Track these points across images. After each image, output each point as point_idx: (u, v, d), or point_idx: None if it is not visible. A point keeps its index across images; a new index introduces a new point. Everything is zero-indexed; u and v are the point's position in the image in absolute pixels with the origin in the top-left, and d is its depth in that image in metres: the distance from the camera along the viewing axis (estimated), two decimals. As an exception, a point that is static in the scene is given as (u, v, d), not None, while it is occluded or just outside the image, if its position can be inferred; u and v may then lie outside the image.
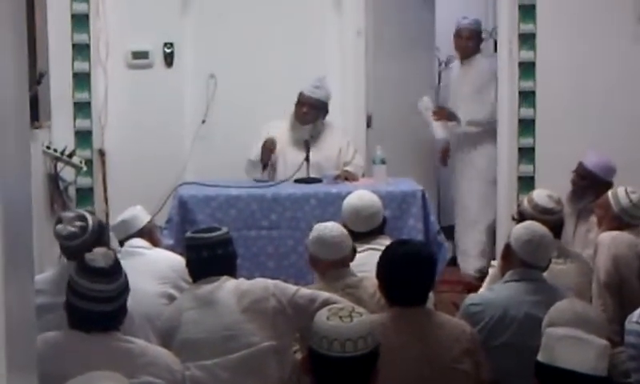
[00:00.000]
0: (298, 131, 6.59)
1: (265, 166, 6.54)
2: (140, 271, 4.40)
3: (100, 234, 4.37)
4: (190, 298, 4.07)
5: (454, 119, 7.34)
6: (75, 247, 4.22)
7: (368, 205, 5.09)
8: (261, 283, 4.06)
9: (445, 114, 7.36)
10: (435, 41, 8.19)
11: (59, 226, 4.36)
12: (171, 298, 4.47)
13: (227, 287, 4.00)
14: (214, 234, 4.13)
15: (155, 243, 4.99)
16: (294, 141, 6.59)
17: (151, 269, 4.60)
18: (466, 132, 7.37)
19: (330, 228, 4.50)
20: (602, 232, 5.03)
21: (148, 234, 4.97)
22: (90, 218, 4.40)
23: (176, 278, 4.61)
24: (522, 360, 3.81)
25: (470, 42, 7.44)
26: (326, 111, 6.72)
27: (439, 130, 7.36)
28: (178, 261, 4.66)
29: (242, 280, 4.09)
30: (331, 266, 4.44)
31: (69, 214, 4.51)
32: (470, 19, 7.45)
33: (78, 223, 4.32)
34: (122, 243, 4.94)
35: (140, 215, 5.00)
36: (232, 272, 4.14)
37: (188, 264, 4.17)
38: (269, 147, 6.51)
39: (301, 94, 6.64)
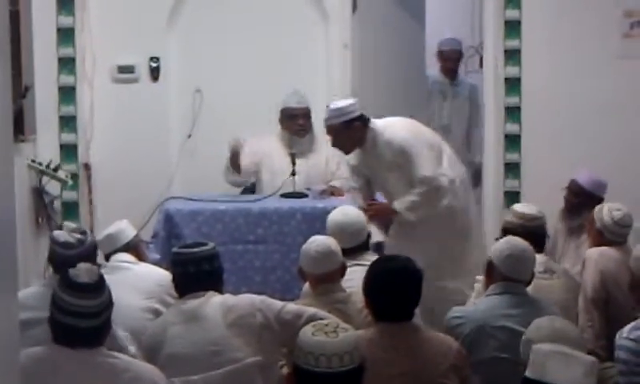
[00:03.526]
0: (295, 144, 6.55)
1: (237, 169, 6.50)
2: (126, 286, 4.39)
3: (93, 253, 4.38)
4: (175, 313, 4.05)
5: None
6: (68, 257, 4.20)
7: (352, 220, 5.08)
8: (247, 299, 4.05)
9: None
10: (425, 57, 8.13)
11: (57, 232, 4.37)
12: (157, 313, 4.46)
13: (213, 302, 3.99)
14: (200, 250, 4.12)
15: (141, 258, 4.97)
16: (284, 153, 6.55)
17: (137, 284, 4.59)
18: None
19: (318, 242, 4.50)
20: (588, 247, 5.06)
21: (134, 248, 4.95)
22: (89, 234, 4.44)
23: (161, 293, 4.60)
24: (503, 373, 3.83)
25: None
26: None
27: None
28: (163, 276, 4.65)
29: (228, 295, 4.08)
30: (318, 280, 4.44)
31: (71, 225, 4.53)
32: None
33: (78, 235, 4.33)
34: (107, 257, 4.92)
35: (126, 229, 4.99)
36: (218, 287, 4.12)
37: (174, 279, 4.16)
38: (234, 151, 6.40)
39: (289, 109, 6.62)
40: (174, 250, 4.23)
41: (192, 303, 4.00)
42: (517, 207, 5.14)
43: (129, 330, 4.20)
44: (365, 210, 5.70)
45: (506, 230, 4.97)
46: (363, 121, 5.84)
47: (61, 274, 3.59)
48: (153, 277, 4.71)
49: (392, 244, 5.77)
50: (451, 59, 7.92)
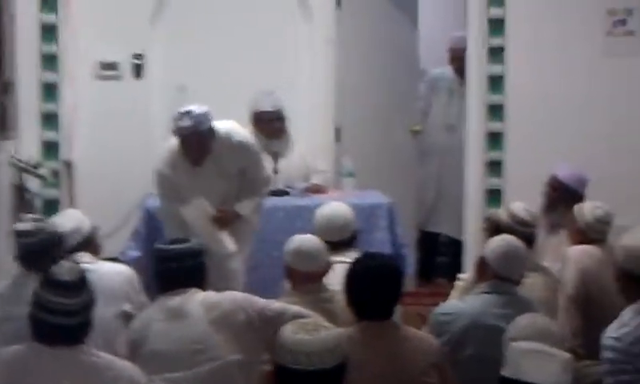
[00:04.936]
0: (271, 146, 6.56)
1: None
2: None
3: (54, 243, 4.33)
4: (159, 310, 4.05)
5: None
6: (29, 245, 4.18)
7: (341, 214, 5.12)
8: (230, 296, 4.05)
9: None
10: (419, 52, 7.94)
11: (17, 223, 4.35)
12: (127, 316, 4.44)
13: (196, 299, 3.99)
14: (182, 246, 4.12)
15: (97, 250, 4.89)
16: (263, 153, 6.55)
17: (103, 290, 4.34)
18: None
19: (309, 239, 4.51)
20: (569, 245, 5.07)
21: (91, 241, 4.84)
22: (49, 223, 4.41)
23: (128, 292, 4.60)
24: (488, 372, 3.82)
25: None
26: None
27: None
28: (125, 273, 4.67)
29: (211, 292, 4.08)
30: (306, 278, 4.42)
31: (30, 215, 4.50)
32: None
33: (36, 223, 4.32)
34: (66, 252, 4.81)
35: (83, 222, 4.84)
36: (201, 284, 4.11)
37: (156, 275, 4.15)
38: None
39: (263, 112, 6.64)
40: (156, 245, 4.23)
41: (175, 300, 4.00)
42: (514, 207, 5.05)
43: (104, 341, 4.10)
44: (216, 219, 5.47)
45: (496, 225, 4.96)
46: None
47: (42, 272, 3.57)
48: (116, 277, 4.64)
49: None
50: (457, 57, 7.65)
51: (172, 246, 4.13)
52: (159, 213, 5.70)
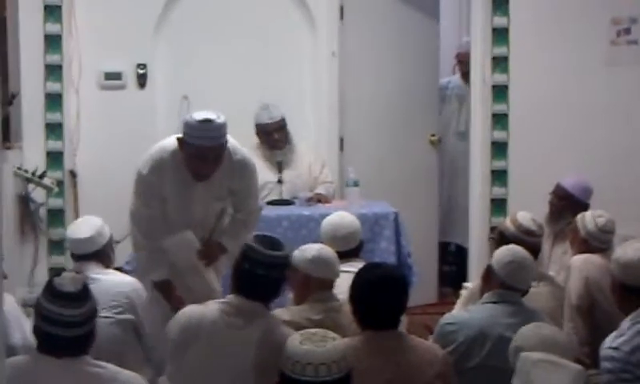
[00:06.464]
0: (275, 156, 6.58)
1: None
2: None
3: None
4: (218, 315, 3.88)
5: None
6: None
7: (347, 224, 5.11)
8: (287, 332, 3.76)
9: None
10: (439, 62, 7.80)
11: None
12: (126, 323, 4.46)
13: (258, 328, 3.83)
14: (278, 254, 3.94)
15: (108, 261, 4.88)
16: (267, 164, 6.57)
17: (107, 298, 4.49)
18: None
19: (324, 247, 4.46)
20: (572, 255, 5.06)
21: (104, 252, 4.85)
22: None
23: (134, 301, 4.64)
24: (494, 383, 3.81)
25: None
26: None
27: None
28: (133, 284, 4.70)
29: (274, 327, 3.87)
30: (321, 285, 4.37)
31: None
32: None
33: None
34: (75, 257, 4.82)
35: (101, 234, 4.86)
36: (273, 297, 3.99)
37: (237, 269, 3.97)
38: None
39: (262, 125, 6.69)
40: (249, 242, 3.97)
41: (237, 322, 3.85)
42: (519, 216, 5.01)
43: (108, 351, 4.02)
44: (202, 254, 5.00)
45: (502, 234, 4.96)
46: None
47: (45, 283, 3.57)
48: (123, 288, 4.68)
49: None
50: (464, 62, 7.57)
51: (268, 252, 3.92)
52: (131, 212, 5.09)
